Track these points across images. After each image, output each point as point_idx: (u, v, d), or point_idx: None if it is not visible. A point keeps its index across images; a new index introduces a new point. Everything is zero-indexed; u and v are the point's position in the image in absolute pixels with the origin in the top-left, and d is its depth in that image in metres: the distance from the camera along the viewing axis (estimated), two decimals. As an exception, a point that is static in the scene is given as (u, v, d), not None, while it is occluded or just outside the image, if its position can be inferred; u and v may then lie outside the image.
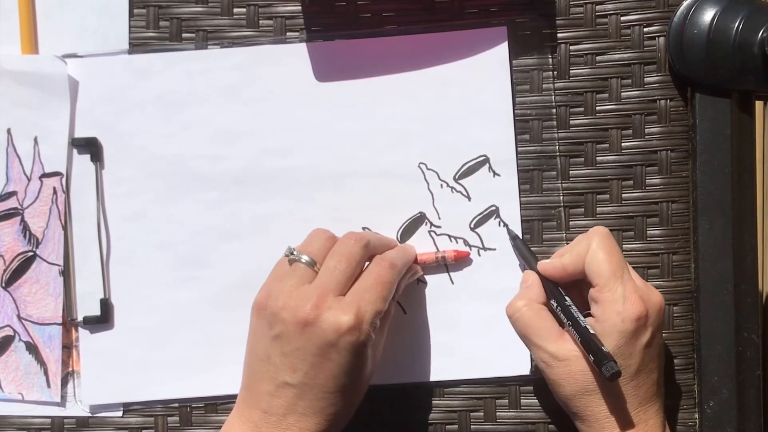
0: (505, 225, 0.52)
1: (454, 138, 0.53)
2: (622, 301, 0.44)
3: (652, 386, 0.46)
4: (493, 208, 0.53)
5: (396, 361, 0.52)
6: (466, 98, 0.53)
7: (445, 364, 0.52)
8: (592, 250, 0.46)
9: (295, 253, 0.46)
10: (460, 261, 0.52)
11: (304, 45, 0.53)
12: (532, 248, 0.52)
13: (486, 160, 0.53)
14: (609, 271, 0.45)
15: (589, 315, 0.46)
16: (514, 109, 0.53)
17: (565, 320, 0.46)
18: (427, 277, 0.53)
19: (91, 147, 0.53)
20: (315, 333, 0.43)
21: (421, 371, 0.52)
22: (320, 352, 0.43)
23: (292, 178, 0.53)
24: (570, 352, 0.45)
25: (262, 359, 0.44)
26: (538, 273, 0.49)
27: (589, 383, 0.44)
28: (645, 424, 0.45)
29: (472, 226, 0.53)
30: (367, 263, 0.48)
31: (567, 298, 0.47)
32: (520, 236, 0.52)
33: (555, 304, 0.47)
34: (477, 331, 0.52)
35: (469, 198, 0.53)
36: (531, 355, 0.50)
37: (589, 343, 0.43)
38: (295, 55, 0.53)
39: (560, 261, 0.48)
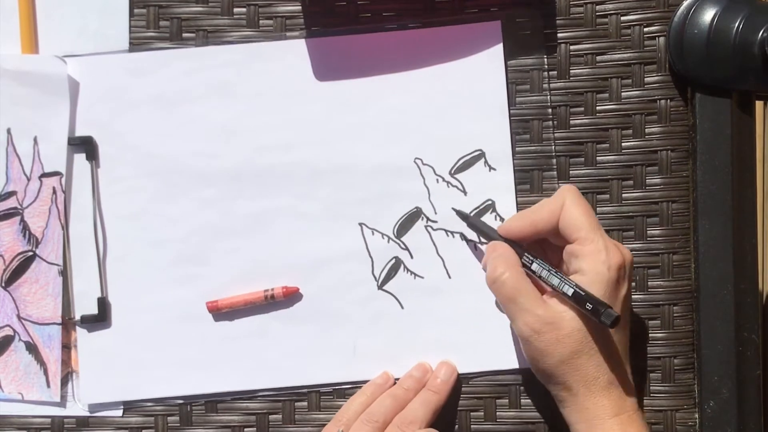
0: (453, 209, 0.52)
1: (450, 133, 0.53)
2: (605, 251, 0.45)
3: (627, 341, 0.46)
4: (489, 202, 0.53)
5: (393, 356, 0.52)
6: (461, 93, 0.53)
7: (443, 358, 0.52)
8: (567, 206, 0.46)
9: None
10: (290, 296, 0.52)
11: (298, 41, 0.53)
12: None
13: (482, 155, 0.53)
14: (589, 224, 0.45)
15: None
16: (509, 104, 0.53)
17: (549, 279, 0.45)
18: (424, 272, 0.53)
19: (86, 146, 0.53)
20: None
21: (421, 370, 0.52)
22: None
23: (288, 174, 0.53)
24: (559, 314, 0.44)
25: None
26: (504, 240, 0.48)
27: (578, 343, 0.44)
28: (627, 376, 0.46)
29: (469, 222, 0.53)
30: None
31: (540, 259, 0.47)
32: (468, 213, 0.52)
33: (534, 266, 0.46)
34: (475, 325, 0.52)
35: (465, 192, 0.53)
36: (515, 330, 0.47)
37: (582, 295, 0.43)
38: (291, 51, 0.53)
39: (530, 219, 0.47)
